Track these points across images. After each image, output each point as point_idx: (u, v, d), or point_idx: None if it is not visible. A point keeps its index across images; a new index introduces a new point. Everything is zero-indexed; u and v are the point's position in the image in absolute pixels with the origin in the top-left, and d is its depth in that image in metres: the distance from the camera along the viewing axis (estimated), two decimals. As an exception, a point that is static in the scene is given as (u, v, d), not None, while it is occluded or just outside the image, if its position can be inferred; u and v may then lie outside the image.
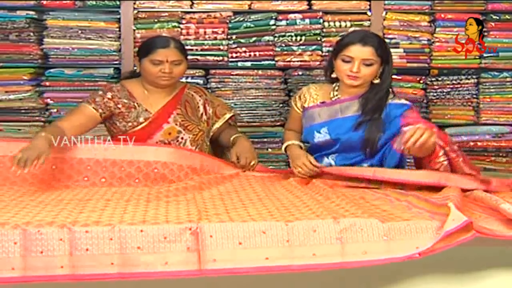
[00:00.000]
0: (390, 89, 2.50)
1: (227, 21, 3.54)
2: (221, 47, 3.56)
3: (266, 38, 3.55)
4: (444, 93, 3.62)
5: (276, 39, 3.56)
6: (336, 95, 2.52)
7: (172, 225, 1.67)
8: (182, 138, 2.63)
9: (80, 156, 2.37)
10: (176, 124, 2.63)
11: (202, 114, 2.71)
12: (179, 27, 3.54)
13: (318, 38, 3.56)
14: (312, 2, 3.57)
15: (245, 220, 1.73)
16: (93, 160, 2.38)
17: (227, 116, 2.77)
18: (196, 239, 1.65)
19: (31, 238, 1.61)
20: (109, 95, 2.59)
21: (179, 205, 1.96)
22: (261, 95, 3.60)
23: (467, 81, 3.61)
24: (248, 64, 3.58)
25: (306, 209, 1.89)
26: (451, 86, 3.61)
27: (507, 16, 3.57)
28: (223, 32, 3.54)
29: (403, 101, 2.49)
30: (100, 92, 2.61)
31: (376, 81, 2.45)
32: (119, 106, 2.59)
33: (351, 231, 1.69)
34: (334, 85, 2.55)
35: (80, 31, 3.50)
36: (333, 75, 2.50)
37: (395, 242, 1.69)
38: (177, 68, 2.57)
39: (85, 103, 2.57)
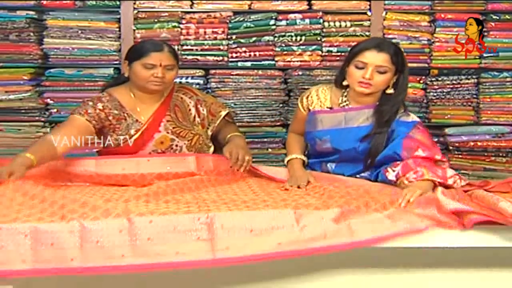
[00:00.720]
0: (404, 105, 2.40)
1: (227, 21, 3.54)
2: (221, 47, 3.56)
3: (266, 38, 3.55)
4: (444, 93, 3.61)
5: (276, 39, 3.55)
6: (345, 102, 2.44)
7: (182, 216, 1.71)
8: (177, 146, 2.54)
9: (71, 171, 2.31)
10: (168, 132, 2.53)
11: (194, 116, 2.61)
12: (179, 27, 3.54)
13: (318, 38, 3.56)
14: (312, 2, 3.57)
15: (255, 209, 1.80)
16: (86, 175, 2.33)
17: (223, 114, 2.65)
18: (208, 229, 1.68)
19: (41, 230, 1.64)
20: (100, 105, 2.46)
21: (186, 198, 1.98)
22: (261, 95, 3.60)
23: (467, 81, 3.61)
24: (248, 64, 3.57)
25: (313, 199, 1.96)
26: (451, 86, 3.61)
27: (507, 16, 3.56)
28: (223, 32, 3.54)
29: (411, 117, 2.36)
30: (91, 103, 2.47)
31: (390, 91, 2.36)
32: (110, 118, 2.47)
33: (358, 213, 1.83)
34: (343, 91, 2.45)
35: (80, 31, 3.50)
36: (344, 83, 2.40)
37: (400, 220, 1.82)
38: (169, 73, 2.47)
39: (76, 114, 2.42)
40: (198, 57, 3.55)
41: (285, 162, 2.54)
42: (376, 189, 2.12)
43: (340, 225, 1.76)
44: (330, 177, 2.37)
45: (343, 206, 1.83)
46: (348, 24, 3.55)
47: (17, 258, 1.61)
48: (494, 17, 3.56)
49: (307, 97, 2.53)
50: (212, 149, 2.64)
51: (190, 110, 2.61)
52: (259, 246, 1.69)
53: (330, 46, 3.56)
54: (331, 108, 2.46)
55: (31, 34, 3.46)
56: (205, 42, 3.55)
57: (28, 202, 1.86)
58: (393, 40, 3.51)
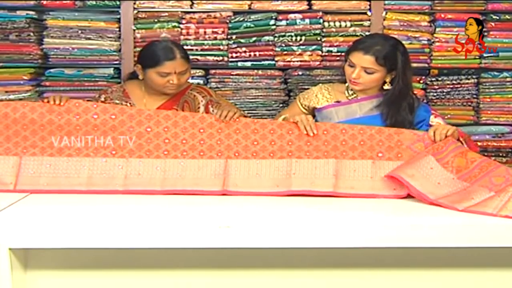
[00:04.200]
0: (415, 97, 2.51)
1: (227, 21, 3.54)
2: (221, 47, 3.56)
3: (266, 38, 3.55)
4: (444, 93, 3.62)
5: (276, 39, 3.55)
6: (352, 94, 2.53)
7: (205, 160, 2.22)
8: None
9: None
10: None
11: (199, 113, 2.66)
12: (179, 27, 3.54)
13: (318, 38, 3.56)
14: (312, 2, 3.57)
15: (265, 157, 2.23)
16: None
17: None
18: (224, 171, 2.18)
19: (98, 164, 2.20)
20: (102, 97, 2.63)
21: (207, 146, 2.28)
22: (261, 95, 3.60)
23: (467, 81, 3.61)
24: (248, 64, 3.58)
25: (312, 147, 2.24)
26: (451, 86, 3.61)
27: (507, 16, 3.57)
28: (223, 32, 3.54)
29: (423, 104, 2.55)
30: (97, 96, 2.68)
31: (386, 87, 2.47)
32: None
33: (345, 169, 2.19)
34: (347, 84, 2.54)
35: (80, 31, 3.49)
36: None
37: (379, 181, 2.17)
38: (183, 77, 2.58)
39: None
40: (198, 57, 3.55)
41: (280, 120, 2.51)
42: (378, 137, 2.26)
43: (328, 176, 2.17)
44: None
45: (338, 157, 2.21)
46: (348, 24, 3.55)
47: (75, 182, 2.17)
48: (494, 17, 3.56)
49: (308, 96, 2.59)
50: None
51: (199, 108, 2.66)
52: (260, 186, 2.17)
53: (330, 46, 3.56)
54: (338, 102, 2.54)
55: (31, 34, 3.45)
56: (205, 42, 3.55)
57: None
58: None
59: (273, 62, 3.58)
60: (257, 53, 3.56)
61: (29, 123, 2.24)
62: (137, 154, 2.23)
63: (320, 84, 2.67)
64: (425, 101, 3.61)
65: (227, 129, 2.29)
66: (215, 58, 3.57)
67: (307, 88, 2.87)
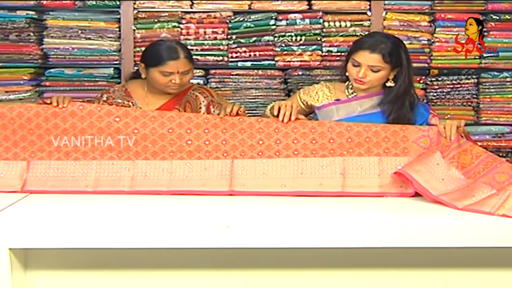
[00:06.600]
0: (415, 95, 2.51)
1: (227, 21, 3.54)
2: (221, 47, 3.56)
3: (266, 38, 3.55)
4: (444, 93, 3.62)
5: (276, 39, 3.56)
6: (352, 93, 2.53)
7: (211, 160, 2.21)
8: None
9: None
10: None
11: (203, 114, 2.64)
12: (179, 27, 3.54)
13: (318, 38, 3.56)
14: (312, 2, 3.57)
15: (271, 156, 2.22)
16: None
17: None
18: (230, 171, 2.18)
19: (105, 167, 2.20)
20: (104, 97, 2.64)
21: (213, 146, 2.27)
22: (261, 95, 3.61)
23: (467, 81, 3.61)
24: (248, 64, 3.58)
25: (317, 145, 2.23)
26: (451, 86, 3.61)
27: (507, 16, 3.57)
28: (223, 32, 3.55)
29: (422, 103, 2.55)
30: (99, 95, 2.68)
31: (389, 84, 2.47)
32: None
33: (352, 167, 2.19)
34: (347, 83, 2.55)
35: (80, 31, 3.50)
36: (347, 74, 2.51)
37: (387, 179, 2.17)
38: (186, 77, 2.57)
39: None
40: (198, 57, 3.54)
41: (268, 109, 2.52)
42: (381, 134, 2.25)
43: (336, 176, 2.17)
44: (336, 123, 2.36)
45: (344, 155, 2.21)
46: (348, 24, 3.55)
47: (83, 184, 2.18)
48: (494, 17, 3.57)
49: (309, 93, 2.59)
50: None
51: (200, 108, 2.66)
52: (267, 185, 2.16)
53: (330, 46, 3.57)
54: (338, 100, 2.54)
55: (31, 34, 3.46)
56: (205, 42, 3.55)
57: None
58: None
59: (273, 62, 3.58)
60: (257, 53, 3.56)
61: (35, 128, 2.25)
62: (143, 156, 2.24)
63: (322, 82, 2.68)
64: (425, 101, 3.61)
65: (231, 129, 2.28)
66: (215, 58, 3.57)
67: (307, 88, 2.88)
